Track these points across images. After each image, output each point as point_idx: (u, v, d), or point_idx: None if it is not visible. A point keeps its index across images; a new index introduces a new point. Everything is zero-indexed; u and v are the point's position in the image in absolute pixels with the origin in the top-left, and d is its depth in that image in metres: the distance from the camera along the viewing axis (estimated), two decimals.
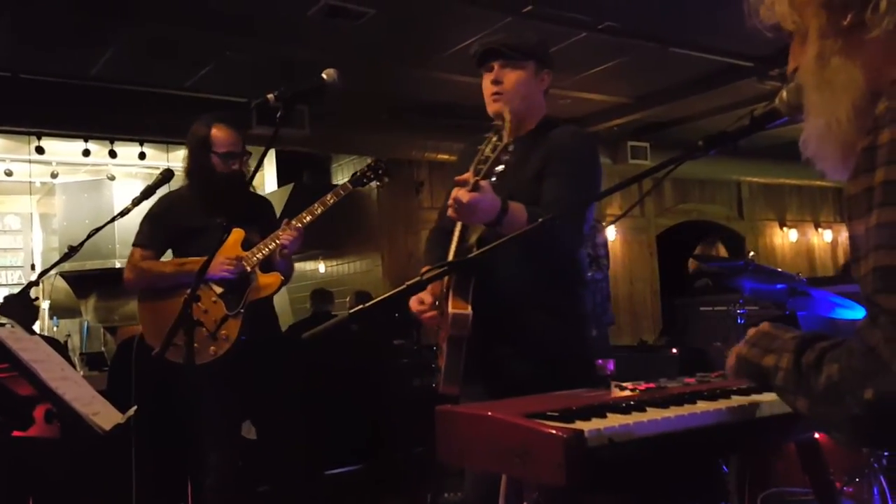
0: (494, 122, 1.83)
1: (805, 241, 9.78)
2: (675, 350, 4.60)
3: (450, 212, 1.82)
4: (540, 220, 1.51)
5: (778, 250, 9.50)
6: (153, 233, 2.92)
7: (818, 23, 1.08)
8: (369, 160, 2.99)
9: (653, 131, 7.37)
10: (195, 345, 2.63)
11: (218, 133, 2.84)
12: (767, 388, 1.14)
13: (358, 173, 2.97)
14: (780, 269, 3.71)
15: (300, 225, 2.77)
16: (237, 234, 2.83)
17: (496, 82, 2.06)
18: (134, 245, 2.95)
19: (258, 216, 2.94)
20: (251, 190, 2.97)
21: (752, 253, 3.64)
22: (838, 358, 0.99)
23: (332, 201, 2.83)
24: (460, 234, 1.98)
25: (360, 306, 1.39)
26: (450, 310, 1.84)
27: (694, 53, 5.39)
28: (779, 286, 3.47)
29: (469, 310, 1.84)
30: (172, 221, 2.91)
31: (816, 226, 9.87)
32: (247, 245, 2.83)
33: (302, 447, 2.96)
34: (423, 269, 2.16)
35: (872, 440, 1.03)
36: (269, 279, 2.82)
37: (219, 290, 2.81)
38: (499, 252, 1.51)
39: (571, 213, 1.91)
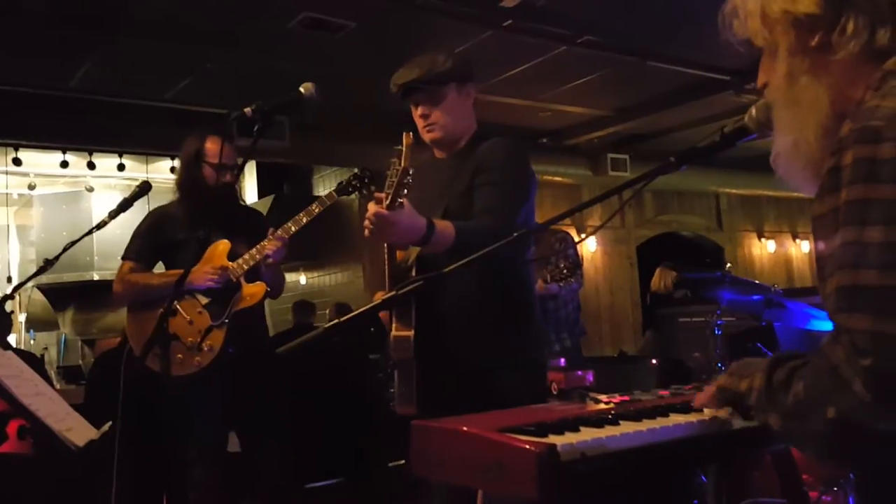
0: (395, 148, 1.85)
1: (783, 252, 9.89)
2: (654, 361, 4.63)
3: (366, 233, 1.83)
4: (515, 234, 1.51)
5: (756, 261, 9.61)
6: (142, 246, 2.93)
7: (787, 41, 1.10)
8: (355, 169, 2.97)
9: (632, 143, 7.44)
10: (179, 356, 2.71)
11: (211, 145, 2.88)
12: (745, 411, 1.16)
13: (343, 182, 2.96)
14: (756, 281, 3.76)
15: (285, 235, 2.77)
16: (223, 245, 2.85)
17: (424, 116, 2.11)
18: (122, 258, 2.96)
19: (248, 228, 2.94)
20: (242, 202, 2.96)
21: (728, 265, 3.68)
22: (804, 376, 1.00)
23: (317, 211, 2.83)
24: (389, 256, 2.00)
25: (336, 321, 1.41)
26: (392, 332, 1.87)
27: (672, 67, 5.46)
28: (755, 297, 3.52)
29: (410, 332, 1.86)
30: (161, 235, 2.92)
31: (794, 236, 10.00)
32: (233, 256, 2.83)
33: (286, 461, 2.96)
34: (376, 295, 2.17)
35: (837, 457, 1.03)
36: (253, 289, 2.82)
37: (204, 300, 2.81)
38: (438, 268, 1.52)
39: (506, 221, 1.92)
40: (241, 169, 2.95)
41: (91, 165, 6.05)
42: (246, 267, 2.79)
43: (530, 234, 1.72)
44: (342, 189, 2.93)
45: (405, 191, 1.78)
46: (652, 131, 7.20)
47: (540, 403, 1.63)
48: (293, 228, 2.79)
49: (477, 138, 2.16)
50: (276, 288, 2.94)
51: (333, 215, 2.96)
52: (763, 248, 9.70)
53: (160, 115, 5.64)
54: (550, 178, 7.34)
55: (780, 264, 9.83)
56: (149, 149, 6.22)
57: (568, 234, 4.55)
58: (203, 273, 2.75)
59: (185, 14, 4.28)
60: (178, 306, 2.78)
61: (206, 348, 2.73)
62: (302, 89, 2.01)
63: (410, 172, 1.77)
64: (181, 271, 2.70)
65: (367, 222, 1.80)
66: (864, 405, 0.91)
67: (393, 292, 1.48)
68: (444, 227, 1.86)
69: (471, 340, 1.99)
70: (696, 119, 6.74)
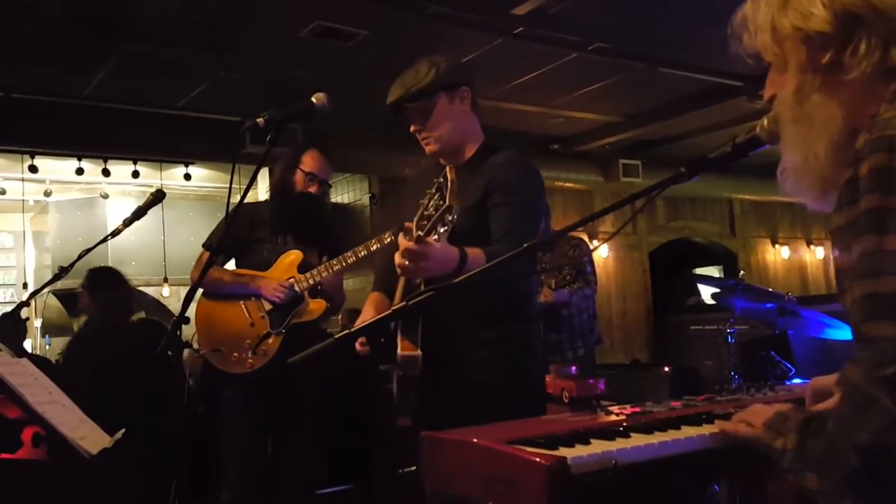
0: (437, 181, 1.79)
1: (797, 259, 9.82)
2: (666, 368, 4.61)
3: (398, 271, 1.76)
4: (499, 259, 1.51)
5: (770, 267, 9.54)
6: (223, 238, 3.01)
7: (798, 58, 1.09)
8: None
9: (644, 149, 7.41)
10: (235, 354, 2.87)
11: (309, 157, 3.04)
12: (779, 469, 1.09)
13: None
14: (770, 289, 3.73)
15: (338, 266, 2.86)
16: (296, 256, 2.97)
17: (418, 132, 2.08)
18: (203, 246, 3.08)
19: (323, 241, 3.05)
20: (323, 217, 3.13)
21: (742, 272, 3.65)
22: (832, 413, 0.95)
23: (374, 248, 2.84)
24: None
25: (346, 331, 1.42)
26: (399, 352, 1.84)
27: (684, 73, 5.44)
28: (768, 305, 3.49)
29: (418, 352, 1.83)
30: (242, 231, 3.01)
31: (808, 243, 9.92)
32: (304, 268, 2.94)
33: (312, 468, 3.05)
34: (371, 295, 2.16)
35: (876, 494, 0.89)
36: (314, 305, 2.93)
37: (268, 306, 2.93)
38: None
39: (521, 249, 1.79)
40: (330, 187, 3.13)
41: (106, 172, 6.10)
42: (311, 282, 2.89)
43: (544, 244, 1.70)
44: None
45: (445, 228, 1.71)
46: (664, 137, 7.17)
47: (536, 415, 1.64)
48: (352, 259, 2.86)
49: (486, 148, 2.11)
50: (333, 302, 3.04)
51: (346, 222, 3.00)
52: (777, 255, 9.63)
53: (174, 122, 5.69)
54: (562, 184, 7.33)
55: (794, 271, 9.75)
56: (163, 156, 6.26)
57: (583, 241, 4.50)
58: (272, 287, 2.87)
59: (198, 23, 4.31)
60: (243, 306, 2.93)
61: (261, 352, 2.85)
62: (314, 99, 2.01)
63: (454, 211, 1.69)
64: (251, 273, 2.95)
65: (398, 259, 1.72)
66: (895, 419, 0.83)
67: (403, 302, 1.48)
68: (476, 255, 1.81)
69: (469, 353, 1.98)
70: (709, 125, 6.71)
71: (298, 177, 2.99)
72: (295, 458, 2.98)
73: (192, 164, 6.47)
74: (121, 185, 6.87)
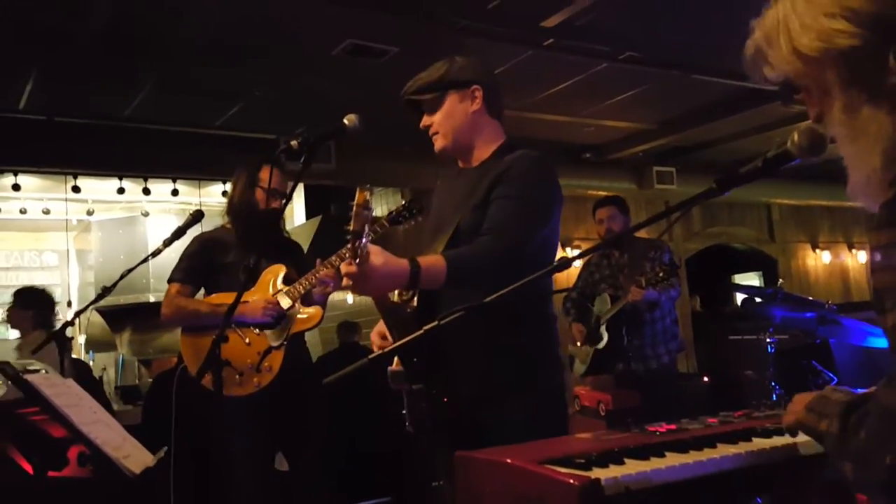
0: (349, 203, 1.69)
1: (839, 263, 9.60)
2: (706, 378, 4.54)
3: (347, 287, 1.73)
4: (555, 264, 1.50)
5: (811, 273, 9.34)
6: (189, 269, 3.03)
7: (837, 75, 1.04)
8: (404, 201, 2.99)
9: (678, 155, 7.33)
10: (237, 376, 2.80)
11: (265, 173, 3.02)
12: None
13: (394, 212, 2.92)
14: (810, 297, 3.66)
15: (327, 269, 2.83)
16: (278, 269, 2.97)
17: (426, 127, 2.07)
18: (169, 281, 3.05)
19: (289, 255, 3.05)
20: (285, 232, 3.15)
21: (781, 280, 3.57)
22: (867, 423, 0.96)
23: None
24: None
25: (379, 352, 1.44)
26: (391, 367, 1.84)
27: (716, 79, 5.38)
28: (808, 314, 3.43)
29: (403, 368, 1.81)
30: (208, 258, 3.02)
31: (850, 247, 9.69)
32: (288, 280, 2.94)
33: (331, 479, 3.03)
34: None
35: None
36: (311, 311, 2.93)
37: None
38: (442, 300, 1.51)
39: (511, 240, 1.83)
40: (289, 198, 3.00)
41: (146, 191, 6.25)
42: (303, 290, 2.88)
43: (570, 263, 1.65)
44: (393, 218, 2.89)
45: (363, 251, 1.63)
46: (698, 143, 7.09)
47: (557, 433, 1.62)
48: (336, 263, 2.82)
49: (503, 149, 2.03)
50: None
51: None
52: (818, 260, 9.42)
53: (211, 141, 5.80)
54: (595, 192, 7.29)
55: (835, 275, 9.54)
56: (201, 174, 6.39)
57: (664, 242, 4.26)
58: (259, 309, 2.82)
59: (234, 43, 4.40)
60: (234, 326, 2.86)
61: (265, 369, 2.81)
62: (346, 120, 2.03)
63: (363, 236, 1.62)
64: (230, 301, 2.81)
65: (344, 281, 1.70)
66: None
67: (435, 321, 1.49)
68: (432, 263, 1.74)
69: (474, 371, 1.89)
70: (743, 130, 6.62)
71: (259, 194, 2.99)
72: (308, 472, 2.96)
73: (231, 182, 6.58)
74: (161, 203, 7.03)
